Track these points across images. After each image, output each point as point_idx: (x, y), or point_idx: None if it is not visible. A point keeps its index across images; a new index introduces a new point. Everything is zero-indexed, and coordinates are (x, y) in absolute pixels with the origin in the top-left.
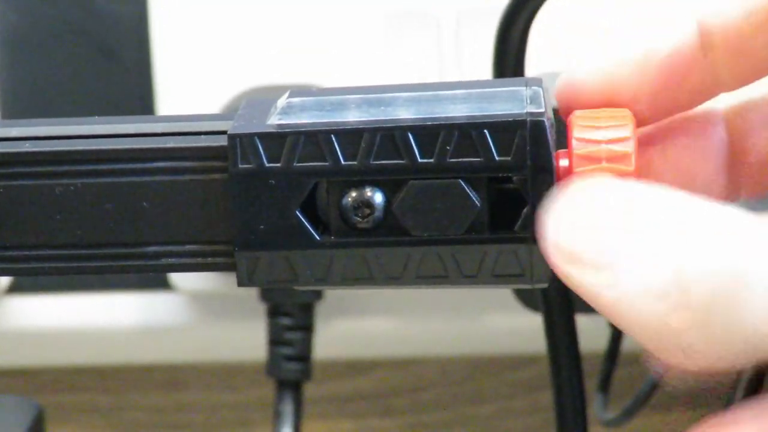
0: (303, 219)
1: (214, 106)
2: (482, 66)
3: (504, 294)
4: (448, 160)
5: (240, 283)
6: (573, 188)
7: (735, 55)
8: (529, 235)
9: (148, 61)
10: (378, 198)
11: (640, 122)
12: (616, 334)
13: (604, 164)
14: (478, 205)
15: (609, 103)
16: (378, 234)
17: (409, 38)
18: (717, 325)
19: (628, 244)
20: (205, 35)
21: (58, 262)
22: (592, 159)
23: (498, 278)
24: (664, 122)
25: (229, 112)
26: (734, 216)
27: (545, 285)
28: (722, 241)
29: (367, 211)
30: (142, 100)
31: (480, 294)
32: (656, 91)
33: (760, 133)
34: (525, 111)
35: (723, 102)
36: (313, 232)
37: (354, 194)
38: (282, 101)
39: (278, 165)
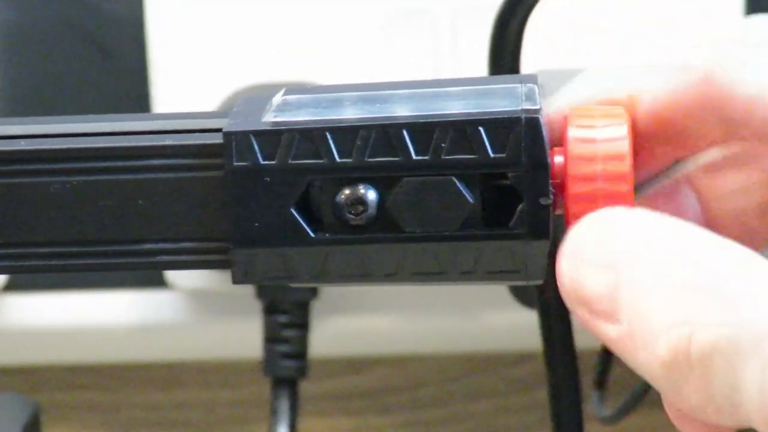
0: (298, 216)
1: (210, 104)
2: (478, 63)
3: (500, 291)
4: (443, 157)
5: (236, 281)
6: (582, 226)
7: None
8: (524, 232)
9: (145, 59)
10: (371, 195)
11: None
12: None
13: (599, 164)
14: (472, 201)
15: None
16: (372, 231)
17: (405, 36)
18: (719, 393)
19: (632, 301)
20: (201, 33)
21: (54, 259)
22: (587, 158)
23: (493, 275)
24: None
25: (224, 110)
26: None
27: (540, 281)
28: (732, 298)
29: (361, 208)
30: (138, 98)
31: (476, 291)
32: None
33: (728, 196)
34: (520, 108)
35: (689, 166)
36: (308, 229)
37: (347, 191)
38: (277, 98)
39: (273, 162)
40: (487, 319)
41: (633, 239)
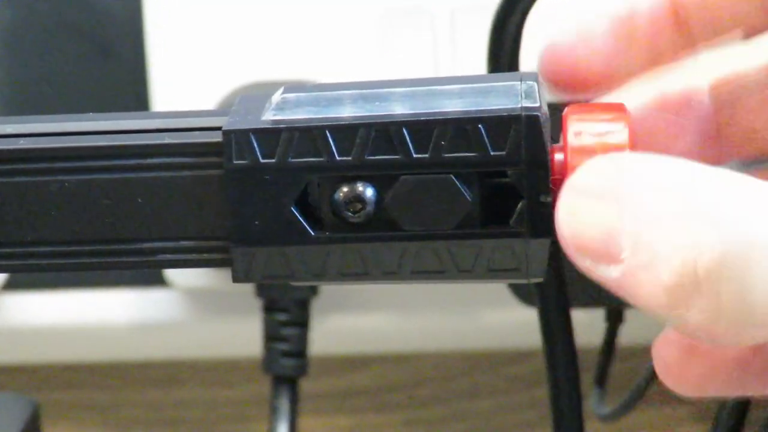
0: (298, 214)
1: (209, 103)
2: (477, 61)
3: (500, 289)
4: (443, 155)
5: (236, 279)
6: (575, 176)
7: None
8: (524, 230)
9: (143, 57)
10: (369, 193)
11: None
12: (613, 329)
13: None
14: (470, 199)
15: (586, 64)
16: (372, 229)
17: (403, 34)
18: (728, 307)
19: (634, 234)
20: (199, 32)
21: (53, 258)
22: (587, 152)
23: (494, 273)
24: (642, 101)
25: (224, 108)
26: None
27: (541, 280)
28: (731, 218)
29: (359, 206)
30: (137, 97)
31: (476, 289)
32: (629, 48)
33: (747, 101)
34: (520, 105)
35: (707, 75)
36: (308, 227)
37: (345, 189)
38: (277, 97)
39: (273, 161)
40: (486, 316)
41: (633, 174)
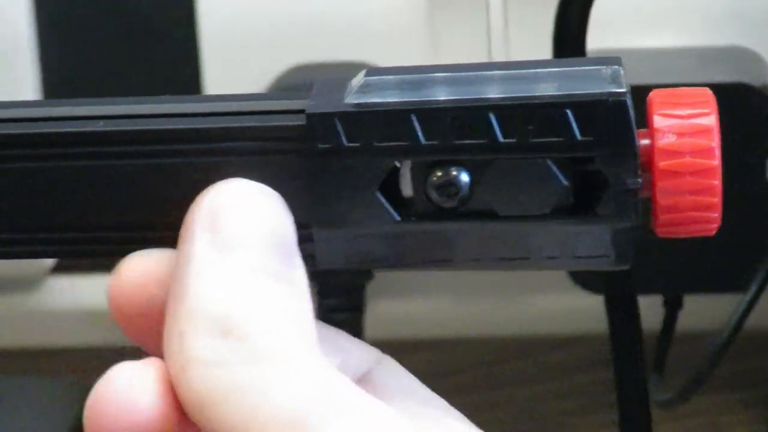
0: (382, 199)
1: (261, 84)
2: (529, 46)
3: (555, 274)
4: (530, 140)
5: (318, 264)
6: None
7: None
8: (611, 216)
9: (195, 38)
10: (464, 177)
11: None
12: (672, 314)
13: (688, 158)
14: (565, 184)
15: None
16: (461, 214)
17: (456, 17)
18: None
19: None
20: (250, 13)
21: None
22: (674, 137)
23: (579, 260)
24: None
25: (302, 91)
26: None
27: (628, 267)
28: None
29: (453, 190)
30: (188, 78)
31: (529, 274)
32: None
33: None
34: (607, 91)
35: None
36: (392, 212)
37: (440, 173)
38: (358, 80)
39: (357, 144)
40: (540, 301)
41: None
